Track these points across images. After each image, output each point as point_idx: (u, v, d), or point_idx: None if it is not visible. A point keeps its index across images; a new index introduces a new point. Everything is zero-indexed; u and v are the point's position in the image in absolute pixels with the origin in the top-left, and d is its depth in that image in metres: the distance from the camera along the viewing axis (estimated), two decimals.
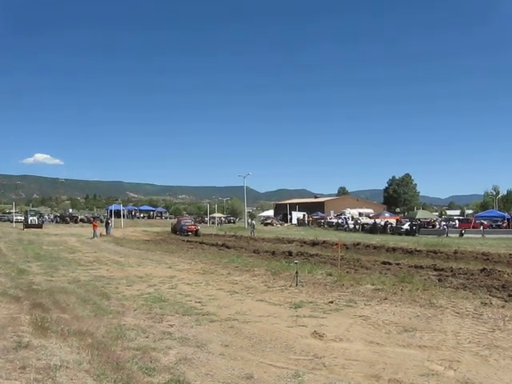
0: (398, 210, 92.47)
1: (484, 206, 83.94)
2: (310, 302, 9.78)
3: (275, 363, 5.72)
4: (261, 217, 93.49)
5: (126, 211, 77.93)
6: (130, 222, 66.33)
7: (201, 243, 30.57)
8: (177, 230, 45.01)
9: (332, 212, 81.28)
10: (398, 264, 17.45)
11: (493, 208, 69.53)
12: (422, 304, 9.45)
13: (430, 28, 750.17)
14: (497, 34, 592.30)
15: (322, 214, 79.92)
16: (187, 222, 47.86)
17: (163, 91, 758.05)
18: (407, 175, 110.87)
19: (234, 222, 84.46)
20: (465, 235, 40.72)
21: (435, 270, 15.81)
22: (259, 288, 11.95)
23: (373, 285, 11.79)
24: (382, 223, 50.52)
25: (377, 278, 12.99)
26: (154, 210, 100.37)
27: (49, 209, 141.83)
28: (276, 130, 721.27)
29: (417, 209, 77.52)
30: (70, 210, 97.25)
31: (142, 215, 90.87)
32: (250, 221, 61.40)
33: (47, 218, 72.51)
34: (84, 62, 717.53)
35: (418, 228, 45.45)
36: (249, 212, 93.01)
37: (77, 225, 61.92)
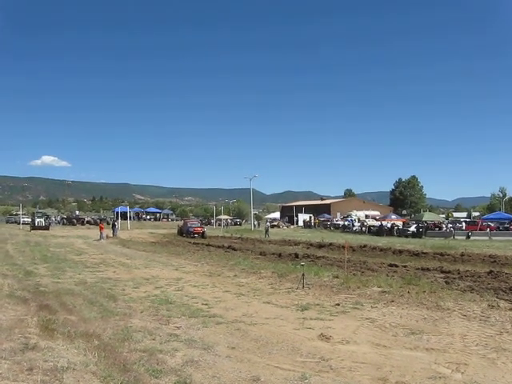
0: (404, 212, 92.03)
1: (491, 208, 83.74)
2: (317, 305, 9.76)
3: (282, 365, 5.72)
4: (267, 219, 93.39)
5: (132, 213, 78.08)
6: (137, 224, 66.44)
7: (207, 245, 30.59)
8: (183, 232, 45.02)
9: (338, 214, 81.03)
10: (404, 266, 17.40)
11: (500, 210, 69.27)
12: (429, 306, 9.41)
13: (437, 28, 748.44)
14: (502, 35, 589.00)
15: (329, 216, 79.64)
16: (194, 224, 47.84)
17: (170, 93, 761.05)
18: (414, 177, 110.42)
19: (240, 224, 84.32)
20: (472, 237, 40.52)
21: (442, 272, 15.76)
22: (266, 290, 11.95)
23: (379, 287, 11.76)
24: (389, 225, 50.40)
25: (383, 280, 12.94)
26: (160, 212, 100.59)
27: (56, 211, 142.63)
28: (282, 132, 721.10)
29: (423, 211, 77.30)
30: (77, 212, 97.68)
31: (148, 217, 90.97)
32: (264, 223, 61.94)
33: (54, 219, 72.50)
34: (91, 63, 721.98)
35: (425, 230, 45.26)
36: (255, 214, 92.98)
37: (83, 227, 61.99)
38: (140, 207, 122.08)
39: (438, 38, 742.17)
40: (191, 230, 43.83)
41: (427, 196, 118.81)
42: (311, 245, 31.15)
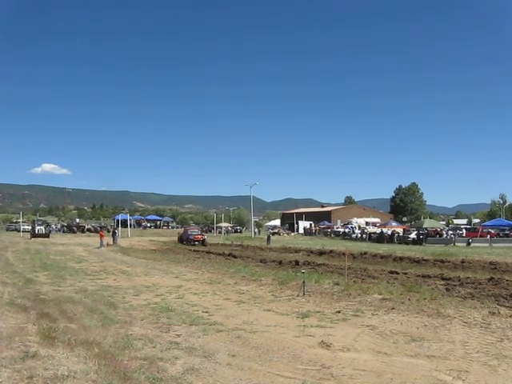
0: (404, 219, 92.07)
1: (491, 215, 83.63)
2: (318, 312, 9.75)
3: (282, 373, 5.70)
4: (268, 226, 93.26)
5: (132, 221, 77.91)
6: (137, 232, 66.32)
7: (208, 253, 30.56)
8: (183, 239, 44.97)
9: (339, 221, 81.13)
10: (405, 273, 17.40)
11: (500, 217, 69.21)
12: (430, 313, 9.39)
13: (433, 36, 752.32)
14: (503, 42, 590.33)
15: (329, 224, 79.67)
16: (194, 231, 47.77)
17: (170, 101, 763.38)
18: (414, 184, 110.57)
19: (240, 232, 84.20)
20: (472, 244, 40.50)
21: (443, 279, 15.76)
22: (266, 298, 11.93)
23: (380, 294, 11.73)
24: (389, 232, 50.40)
25: (384, 287, 12.92)
26: (160, 220, 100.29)
27: (56, 218, 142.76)
28: (282, 140, 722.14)
29: (423, 218, 77.22)
30: (77, 220, 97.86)
31: (148, 225, 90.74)
32: (266, 231, 62.08)
33: (54, 227, 72.50)
34: (91, 72, 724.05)
35: (425, 237, 45.22)
36: (255, 221, 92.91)
37: (84, 234, 61.90)
38: (140, 215, 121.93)
39: (438, 45, 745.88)
40: (191, 237, 43.77)
41: (427, 203, 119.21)
42: (312, 252, 31.14)
